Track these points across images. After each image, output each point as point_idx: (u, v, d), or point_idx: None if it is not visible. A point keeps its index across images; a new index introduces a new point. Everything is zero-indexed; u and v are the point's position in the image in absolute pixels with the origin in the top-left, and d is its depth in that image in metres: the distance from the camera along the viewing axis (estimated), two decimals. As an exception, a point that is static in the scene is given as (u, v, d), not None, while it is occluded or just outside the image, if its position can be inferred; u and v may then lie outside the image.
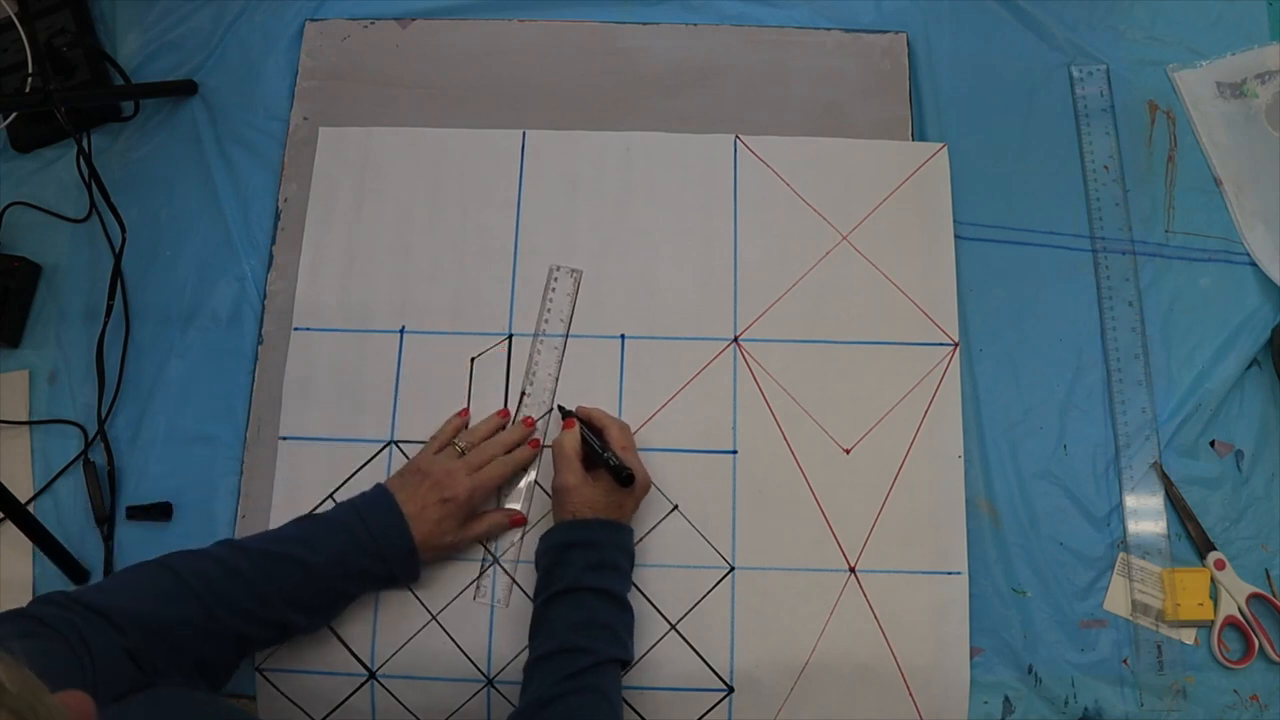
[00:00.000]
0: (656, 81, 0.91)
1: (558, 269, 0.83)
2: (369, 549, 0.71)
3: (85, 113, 0.90)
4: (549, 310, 0.84)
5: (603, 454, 0.74)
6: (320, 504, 0.80)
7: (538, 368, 0.83)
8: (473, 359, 0.84)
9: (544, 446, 0.81)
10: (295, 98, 0.92)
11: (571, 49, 0.92)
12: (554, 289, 0.84)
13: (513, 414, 0.82)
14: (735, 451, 0.81)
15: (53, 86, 0.84)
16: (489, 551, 0.79)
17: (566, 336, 0.84)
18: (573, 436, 0.76)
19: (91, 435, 0.84)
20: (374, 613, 0.78)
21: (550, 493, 0.77)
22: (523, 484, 0.81)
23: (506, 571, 0.78)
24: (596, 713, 0.66)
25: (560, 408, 0.81)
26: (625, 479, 0.72)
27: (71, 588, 0.79)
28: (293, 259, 0.86)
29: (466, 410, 0.82)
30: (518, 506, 0.80)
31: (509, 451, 0.79)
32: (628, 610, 0.73)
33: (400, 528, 0.72)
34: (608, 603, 0.71)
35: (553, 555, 0.73)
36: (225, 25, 0.95)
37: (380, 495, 0.74)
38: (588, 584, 0.70)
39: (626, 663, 0.72)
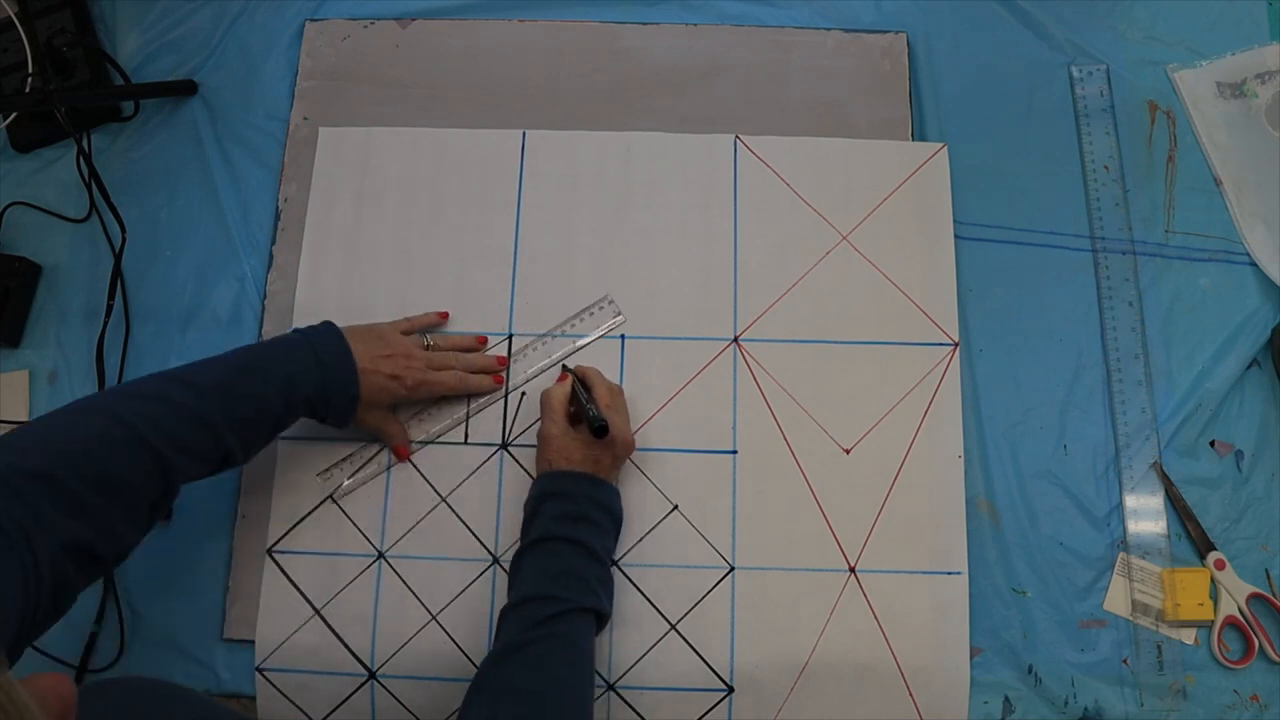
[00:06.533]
0: (656, 81, 0.91)
1: (610, 301, 0.83)
2: (315, 380, 0.71)
3: (85, 113, 0.90)
4: (573, 325, 0.84)
5: (585, 405, 0.75)
6: (320, 504, 0.80)
7: (537, 370, 0.83)
8: (473, 359, 0.84)
9: (514, 390, 0.82)
10: (295, 98, 0.92)
11: (571, 49, 0.92)
12: (592, 313, 0.84)
13: (509, 414, 0.82)
14: (735, 451, 0.81)
15: (53, 86, 0.84)
16: (489, 551, 0.79)
17: (568, 338, 0.84)
18: (562, 389, 0.77)
19: (91, 435, 0.84)
20: (374, 613, 0.78)
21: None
22: (445, 422, 0.81)
23: (506, 571, 0.78)
24: (565, 657, 0.66)
25: (563, 366, 0.82)
26: (599, 429, 0.73)
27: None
28: (293, 259, 0.86)
29: (446, 314, 0.83)
30: (428, 434, 0.80)
31: (471, 372, 0.80)
32: (602, 564, 0.73)
33: (349, 371, 0.72)
34: (579, 553, 0.71)
35: (531, 505, 0.74)
36: (225, 25, 0.95)
37: (333, 334, 0.74)
38: (559, 534, 0.71)
39: (602, 615, 0.72)
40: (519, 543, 0.74)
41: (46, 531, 0.54)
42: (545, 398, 0.77)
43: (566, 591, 0.69)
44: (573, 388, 0.77)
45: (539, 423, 0.78)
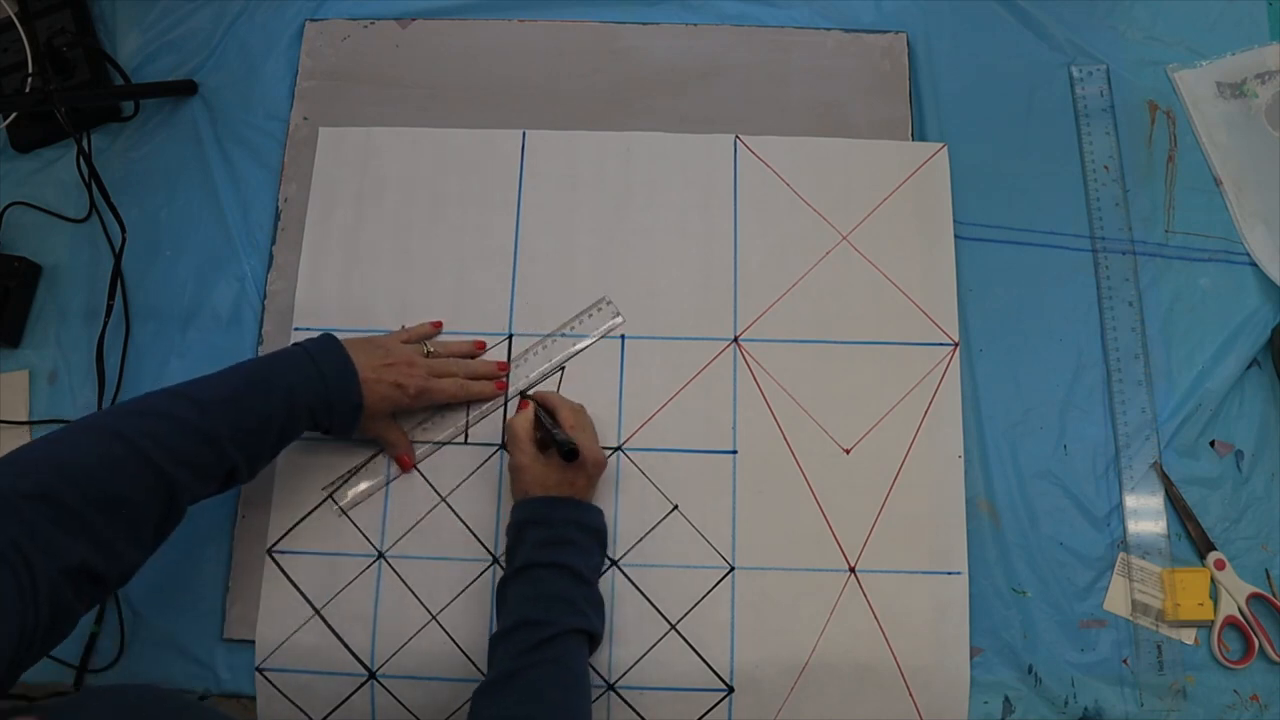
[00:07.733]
0: (656, 81, 0.91)
1: (608, 302, 0.83)
2: (317, 390, 0.71)
3: (85, 113, 0.90)
4: (572, 326, 0.84)
5: (551, 430, 0.74)
6: (320, 504, 0.80)
7: (539, 375, 0.83)
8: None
9: (514, 396, 0.82)
10: (295, 98, 0.92)
11: (571, 49, 0.92)
12: (591, 314, 0.84)
13: (509, 415, 0.82)
14: (735, 451, 0.81)
15: (53, 86, 0.84)
16: (489, 551, 0.79)
17: (567, 338, 0.84)
18: (525, 418, 0.77)
19: (91, 435, 0.84)
20: (374, 613, 0.78)
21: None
22: (447, 431, 0.81)
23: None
24: (558, 682, 0.66)
25: (521, 394, 0.82)
26: (569, 453, 0.73)
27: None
28: (293, 259, 0.86)
29: (440, 323, 0.83)
30: (430, 441, 0.80)
31: (472, 379, 0.80)
32: (588, 584, 0.73)
33: (351, 380, 0.72)
34: (563, 576, 0.71)
35: (512, 535, 0.74)
36: (225, 25, 0.95)
37: (333, 345, 0.74)
38: (540, 560, 0.71)
39: (593, 636, 0.72)
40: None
41: (44, 552, 0.54)
42: (510, 428, 0.76)
43: (553, 615, 0.68)
44: (535, 414, 0.77)
45: (507, 455, 0.77)
